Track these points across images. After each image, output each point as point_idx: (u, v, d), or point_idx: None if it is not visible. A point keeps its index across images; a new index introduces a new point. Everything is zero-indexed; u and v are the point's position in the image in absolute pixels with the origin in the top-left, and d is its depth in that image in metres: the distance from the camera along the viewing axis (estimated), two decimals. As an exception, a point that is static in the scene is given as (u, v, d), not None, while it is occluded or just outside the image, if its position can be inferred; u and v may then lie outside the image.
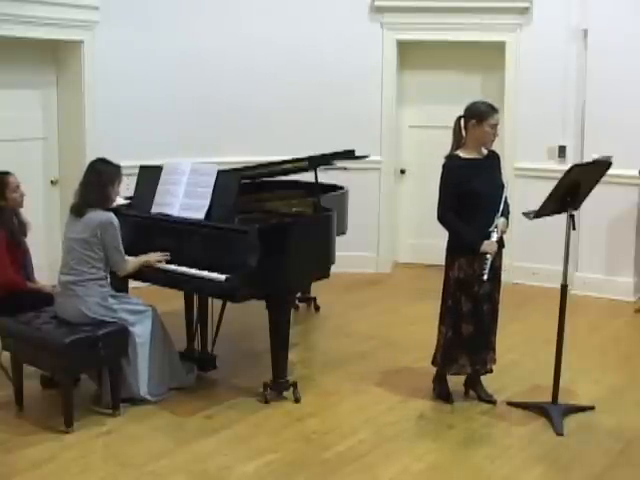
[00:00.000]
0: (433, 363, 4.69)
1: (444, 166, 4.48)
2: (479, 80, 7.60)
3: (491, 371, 4.67)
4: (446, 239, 4.59)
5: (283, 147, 6.65)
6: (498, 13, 7.23)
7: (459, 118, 4.51)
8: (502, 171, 4.66)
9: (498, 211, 4.42)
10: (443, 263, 4.60)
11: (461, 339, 4.53)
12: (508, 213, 4.54)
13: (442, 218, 4.46)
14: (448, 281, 4.54)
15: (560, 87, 7.12)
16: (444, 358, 4.60)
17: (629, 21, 6.71)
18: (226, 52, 7.18)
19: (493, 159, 4.58)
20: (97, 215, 4.40)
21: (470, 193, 4.37)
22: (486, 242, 4.38)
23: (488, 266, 4.34)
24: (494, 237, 4.39)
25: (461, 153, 4.48)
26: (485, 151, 4.54)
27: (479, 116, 4.41)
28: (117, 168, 4.56)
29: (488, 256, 4.35)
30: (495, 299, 4.58)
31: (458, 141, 4.51)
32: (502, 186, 4.51)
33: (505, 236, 4.55)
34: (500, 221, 4.43)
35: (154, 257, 4.62)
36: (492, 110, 4.45)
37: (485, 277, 4.34)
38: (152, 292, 5.02)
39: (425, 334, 5.16)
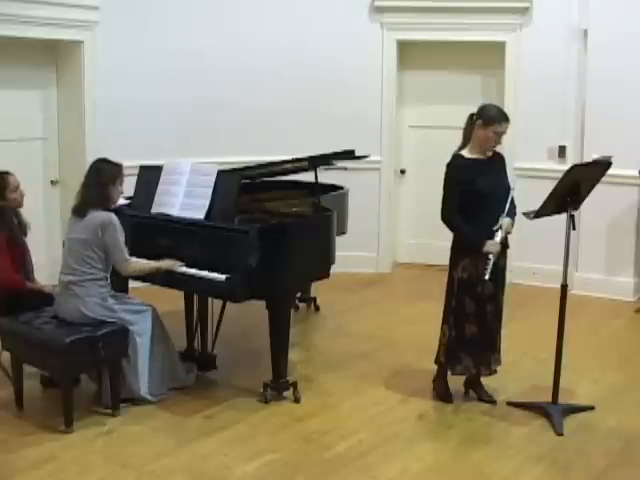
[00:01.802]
0: (436, 362, 4.69)
1: (448, 165, 4.47)
2: (479, 80, 7.60)
3: (495, 372, 4.66)
4: (446, 239, 4.59)
5: (283, 147, 6.65)
6: (498, 13, 7.23)
7: (471, 115, 4.50)
8: (508, 172, 4.63)
9: (503, 211, 4.41)
10: (443, 263, 4.61)
11: (464, 340, 4.52)
12: (514, 214, 4.52)
13: (445, 218, 4.45)
14: (452, 281, 4.54)
15: (560, 87, 7.12)
16: (448, 358, 4.60)
17: (629, 21, 6.71)
18: (226, 52, 7.18)
19: (498, 160, 4.57)
20: (98, 215, 4.40)
21: (474, 193, 4.36)
22: (489, 242, 4.37)
23: (490, 266, 4.33)
24: (498, 237, 4.38)
25: (466, 153, 4.48)
26: (490, 152, 4.52)
27: (486, 119, 4.40)
28: (118, 167, 4.55)
29: (491, 256, 4.34)
30: (499, 300, 4.58)
31: (467, 139, 4.51)
32: (508, 187, 4.49)
33: (508, 236, 4.54)
34: (505, 221, 4.41)
35: (166, 264, 4.55)
36: (502, 118, 4.41)
37: (486, 277, 4.33)
38: (152, 292, 5.01)
39: (425, 334, 5.17)
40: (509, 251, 4.62)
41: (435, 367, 4.72)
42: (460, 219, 4.41)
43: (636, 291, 6.94)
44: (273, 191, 5.83)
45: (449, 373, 4.66)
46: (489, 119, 4.40)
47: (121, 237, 4.43)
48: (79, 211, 4.47)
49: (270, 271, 4.41)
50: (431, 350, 4.71)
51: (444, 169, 4.48)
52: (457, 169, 4.43)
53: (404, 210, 8.00)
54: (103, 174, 4.49)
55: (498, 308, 4.58)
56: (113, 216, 4.45)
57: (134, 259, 4.54)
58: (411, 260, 7.99)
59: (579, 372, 5.08)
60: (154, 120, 6.93)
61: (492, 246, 4.36)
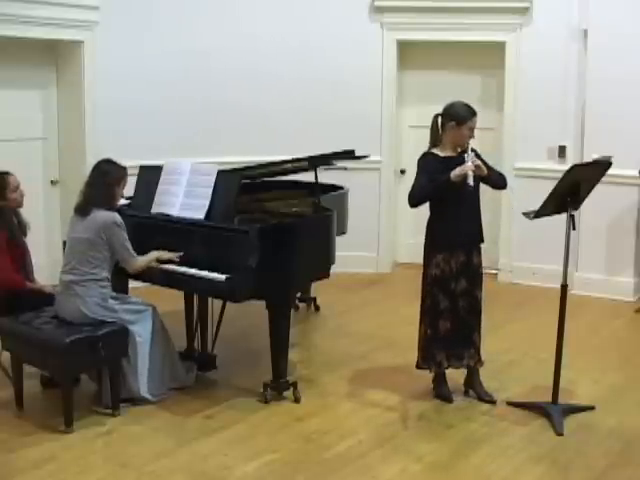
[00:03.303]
0: (417, 366, 4.71)
1: (418, 160, 4.51)
2: (479, 80, 7.61)
3: (469, 367, 4.66)
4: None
5: (283, 147, 6.66)
6: (498, 13, 7.23)
7: (436, 116, 4.52)
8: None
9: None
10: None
11: (439, 336, 4.56)
12: (504, 182, 4.56)
13: (412, 201, 4.44)
14: (426, 279, 4.57)
15: (560, 87, 7.12)
16: (422, 355, 4.63)
17: (629, 21, 6.71)
18: (226, 52, 7.18)
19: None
20: (100, 216, 4.40)
21: None
22: (456, 169, 4.30)
23: (471, 178, 4.26)
24: (468, 160, 4.31)
25: (436, 151, 4.51)
26: (460, 148, 4.53)
27: (460, 119, 4.42)
28: (123, 169, 4.57)
29: (470, 172, 4.26)
30: (475, 296, 4.58)
31: (435, 139, 4.53)
32: (478, 183, 4.45)
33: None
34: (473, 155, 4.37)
35: (166, 255, 4.58)
36: (471, 114, 4.44)
37: (471, 182, 4.25)
38: (152, 292, 5.02)
39: (425, 334, 5.16)
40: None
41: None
42: (423, 186, 4.39)
43: (636, 291, 6.94)
44: (273, 191, 5.83)
45: (428, 372, 4.67)
46: (462, 119, 4.42)
47: (125, 235, 4.44)
48: (82, 210, 4.47)
49: (270, 271, 4.41)
50: (431, 350, 4.71)
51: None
52: (428, 162, 4.47)
53: (404, 210, 7.97)
54: (110, 175, 4.50)
55: (474, 304, 4.58)
56: (116, 215, 4.45)
57: (142, 257, 4.55)
58: (411, 260, 7.96)
59: (579, 372, 5.08)
60: (154, 120, 6.92)
61: (459, 169, 4.29)
